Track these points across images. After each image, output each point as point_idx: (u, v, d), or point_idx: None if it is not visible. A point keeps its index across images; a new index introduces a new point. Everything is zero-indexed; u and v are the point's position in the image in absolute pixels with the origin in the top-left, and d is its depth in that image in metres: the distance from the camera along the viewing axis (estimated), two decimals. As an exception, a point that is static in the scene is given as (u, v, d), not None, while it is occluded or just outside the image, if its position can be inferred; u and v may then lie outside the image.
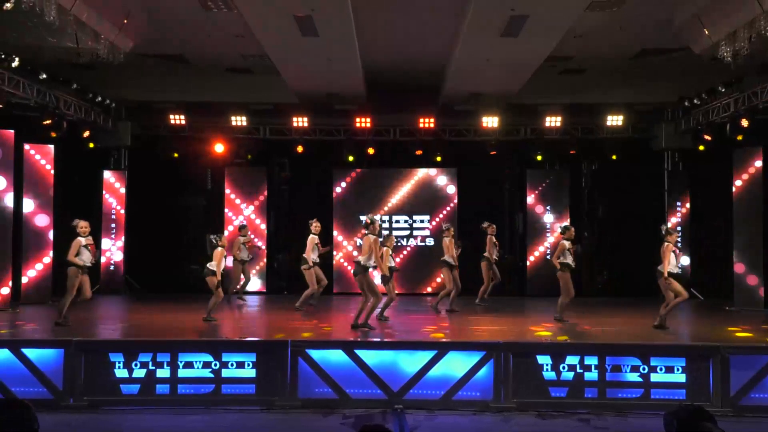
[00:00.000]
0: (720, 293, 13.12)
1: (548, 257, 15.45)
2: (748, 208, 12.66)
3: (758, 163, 12.54)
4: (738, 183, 12.83)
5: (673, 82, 13.78)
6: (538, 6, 9.03)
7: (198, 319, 10.74)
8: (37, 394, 7.75)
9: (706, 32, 9.99)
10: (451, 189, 15.80)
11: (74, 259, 9.46)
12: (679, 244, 12.82)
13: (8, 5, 7.51)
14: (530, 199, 15.61)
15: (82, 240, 9.54)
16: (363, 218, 15.43)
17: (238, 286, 13.39)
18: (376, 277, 10.17)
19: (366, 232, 9.99)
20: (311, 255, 11.52)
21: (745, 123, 12.15)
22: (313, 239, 11.59)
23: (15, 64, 10.63)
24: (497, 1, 8.82)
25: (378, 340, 8.82)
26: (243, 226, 13.44)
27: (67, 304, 9.53)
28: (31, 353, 7.91)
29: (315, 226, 11.75)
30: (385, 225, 15.71)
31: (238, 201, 15.71)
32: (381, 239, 10.06)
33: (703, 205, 14.89)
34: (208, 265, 10.20)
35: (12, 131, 11.95)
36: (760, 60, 10.63)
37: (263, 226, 15.70)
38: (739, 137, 12.62)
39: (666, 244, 9.62)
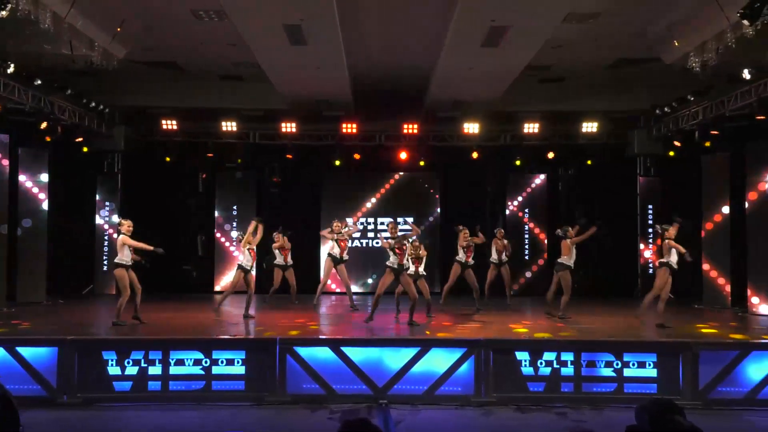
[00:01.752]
0: (690, 292, 13.24)
1: (526, 257, 15.58)
2: (715, 211, 12.81)
3: (726, 168, 12.70)
4: (707, 187, 12.98)
5: (646, 91, 13.93)
6: (518, 17, 9.10)
7: (190, 317, 10.71)
8: (32, 392, 7.69)
9: (677, 44, 10.11)
10: (435, 192, 15.84)
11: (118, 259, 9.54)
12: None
13: (3, 13, 7.43)
14: (510, 201, 15.70)
15: (124, 238, 9.55)
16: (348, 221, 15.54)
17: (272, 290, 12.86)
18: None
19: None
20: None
21: (713, 130, 12.31)
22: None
23: (10, 70, 10.52)
24: (479, 12, 8.87)
25: (363, 337, 8.81)
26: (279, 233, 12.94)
27: (124, 304, 9.48)
28: (25, 352, 7.85)
29: (336, 225, 11.84)
30: (371, 227, 15.72)
31: (228, 204, 15.68)
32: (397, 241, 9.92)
33: (674, 209, 15.01)
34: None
35: (7, 135, 11.84)
36: (727, 70, 10.76)
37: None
38: (707, 144, 12.80)
39: (666, 240, 9.68)
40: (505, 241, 12.47)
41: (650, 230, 15.00)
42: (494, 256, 12.58)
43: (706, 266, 12.87)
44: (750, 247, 11.94)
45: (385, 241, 10.10)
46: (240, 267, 10.61)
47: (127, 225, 9.69)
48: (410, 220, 15.06)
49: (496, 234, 12.65)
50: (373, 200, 15.84)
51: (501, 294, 12.83)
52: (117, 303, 9.56)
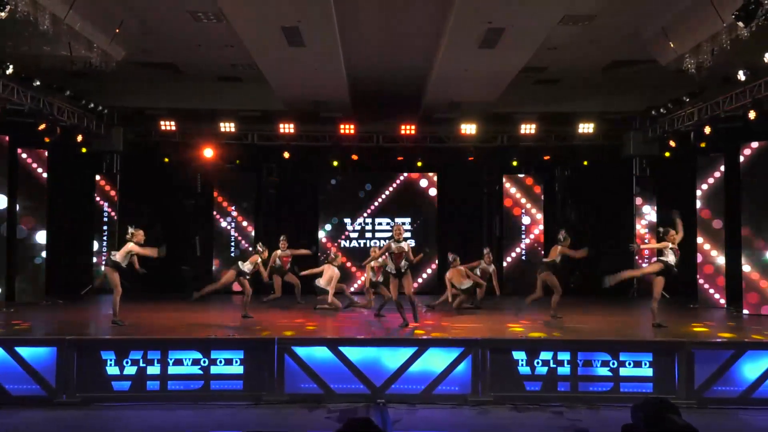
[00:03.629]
0: (685, 291, 13.27)
1: (523, 258, 15.57)
2: (711, 212, 12.83)
3: (721, 169, 12.73)
4: (702, 188, 13.00)
5: (641, 93, 13.96)
6: (514, 19, 9.11)
7: (188, 317, 10.68)
8: (31, 392, 7.68)
9: (672, 45, 10.13)
10: (432, 193, 15.86)
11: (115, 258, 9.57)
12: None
13: (2, 14, 7.40)
14: (507, 202, 15.71)
15: (133, 246, 9.57)
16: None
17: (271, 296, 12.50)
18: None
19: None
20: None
21: (708, 131, 12.32)
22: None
23: (9, 71, 10.50)
24: (475, 14, 8.89)
25: (361, 337, 8.80)
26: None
27: (118, 302, 9.54)
28: (24, 351, 7.82)
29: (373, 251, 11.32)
30: (369, 227, 15.71)
31: (227, 204, 15.67)
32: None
33: (669, 209, 15.03)
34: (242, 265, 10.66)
35: (6, 136, 11.82)
36: (722, 72, 10.78)
37: (251, 229, 15.65)
38: (703, 144, 12.83)
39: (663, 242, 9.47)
40: (492, 268, 11.91)
41: (647, 230, 15.04)
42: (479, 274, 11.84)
43: (701, 266, 12.88)
44: (745, 245, 11.96)
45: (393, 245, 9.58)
46: (238, 271, 10.62)
47: (139, 235, 9.68)
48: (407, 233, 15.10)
49: (484, 256, 12.06)
50: (371, 201, 15.83)
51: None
52: (112, 302, 9.56)
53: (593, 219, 15.68)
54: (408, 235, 15.72)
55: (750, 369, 7.94)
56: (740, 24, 7.65)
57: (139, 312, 10.73)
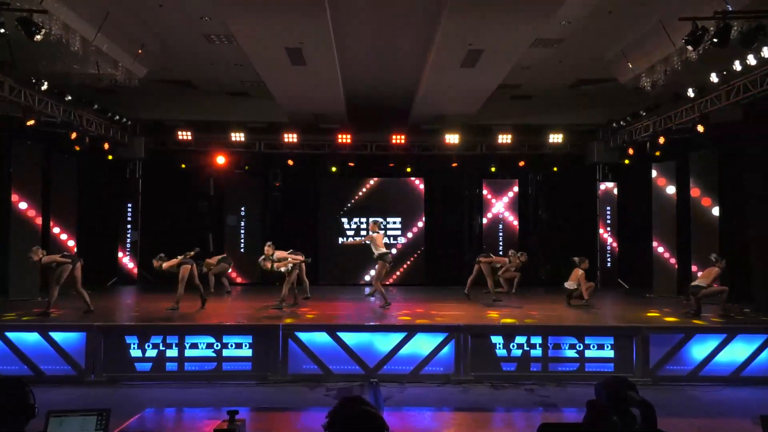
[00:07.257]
0: (642, 282, 13.35)
1: (500, 253, 15.60)
2: (664, 212, 12.92)
3: (671, 174, 12.83)
4: (656, 190, 13.09)
5: (604, 107, 14.03)
6: (492, 42, 9.14)
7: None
8: (63, 371, 7.68)
9: (630, 66, 10.20)
10: (420, 195, 15.87)
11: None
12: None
13: (38, 37, 7.38)
14: (486, 203, 15.74)
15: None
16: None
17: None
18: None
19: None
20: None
21: (661, 141, 12.41)
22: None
23: (44, 87, 10.45)
24: (457, 37, 8.91)
25: (357, 323, 8.80)
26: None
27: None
28: (57, 336, 7.83)
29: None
30: (363, 226, 15.70)
31: (236, 206, 15.63)
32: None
33: (627, 210, 15.17)
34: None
35: (42, 145, 11.75)
36: (674, 89, 10.87)
37: (258, 228, 15.61)
38: (657, 153, 12.92)
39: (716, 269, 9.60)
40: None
41: (609, 228, 15.10)
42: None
43: (656, 260, 12.98)
44: (693, 241, 12.07)
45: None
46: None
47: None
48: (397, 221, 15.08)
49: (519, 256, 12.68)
50: (366, 202, 15.82)
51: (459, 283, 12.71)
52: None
53: (562, 218, 15.75)
54: (398, 233, 15.75)
55: (698, 350, 8.04)
56: (689, 48, 7.73)
57: (159, 302, 10.69)
